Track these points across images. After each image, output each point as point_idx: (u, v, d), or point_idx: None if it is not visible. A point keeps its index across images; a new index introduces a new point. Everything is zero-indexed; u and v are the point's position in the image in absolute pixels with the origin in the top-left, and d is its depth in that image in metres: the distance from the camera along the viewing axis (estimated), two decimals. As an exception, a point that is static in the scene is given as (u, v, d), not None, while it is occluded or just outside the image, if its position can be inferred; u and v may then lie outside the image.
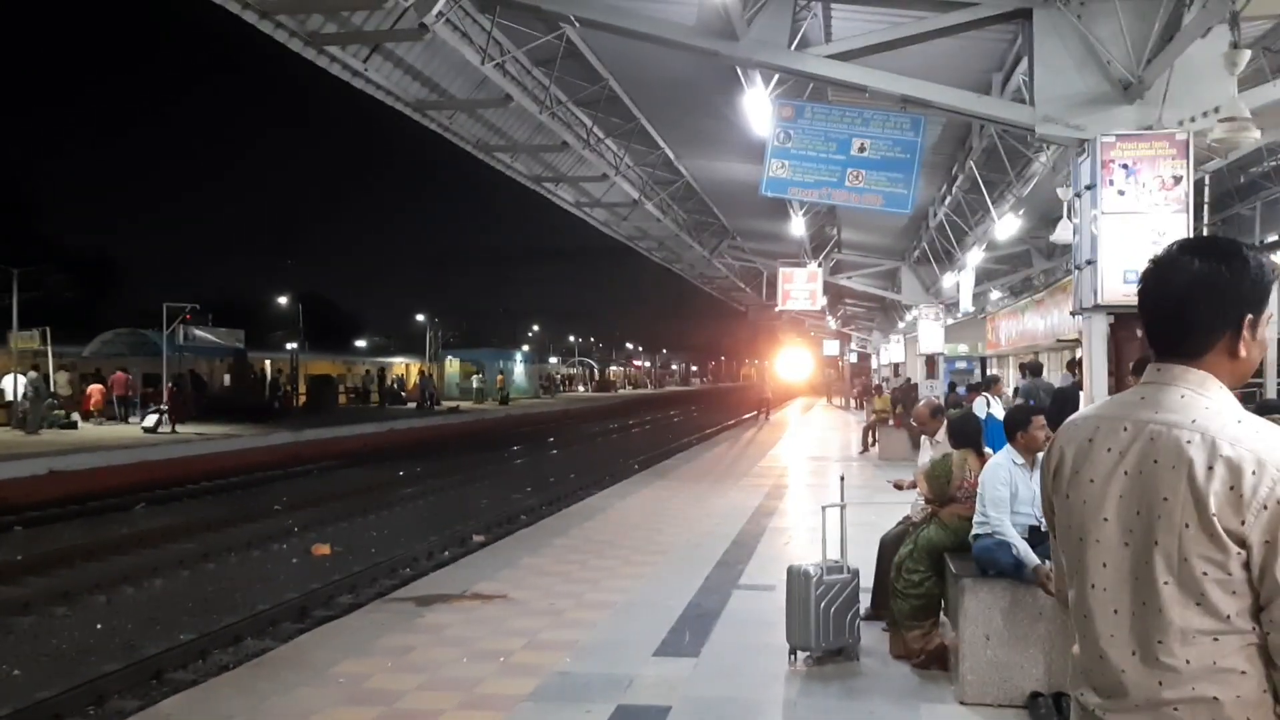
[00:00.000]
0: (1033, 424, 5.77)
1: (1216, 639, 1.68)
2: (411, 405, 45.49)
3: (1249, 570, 1.65)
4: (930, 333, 26.34)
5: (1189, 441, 1.70)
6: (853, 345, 55.73)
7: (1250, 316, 1.79)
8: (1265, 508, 1.63)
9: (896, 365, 35.90)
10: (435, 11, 9.96)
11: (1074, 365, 16.96)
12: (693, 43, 8.22)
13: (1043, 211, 15.68)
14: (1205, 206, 15.90)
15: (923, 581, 6.20)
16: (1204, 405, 1.75)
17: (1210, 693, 1.68)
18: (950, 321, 26.69)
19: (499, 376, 58.09)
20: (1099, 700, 1.80)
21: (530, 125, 16.95)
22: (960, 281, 21.20)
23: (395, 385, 53.07)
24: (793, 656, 6.26)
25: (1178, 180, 6.77)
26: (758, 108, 10.08)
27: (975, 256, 19.03)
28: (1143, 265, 1.89)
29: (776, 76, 9.89)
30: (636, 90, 15.26)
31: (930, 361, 27.44)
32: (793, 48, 8.29)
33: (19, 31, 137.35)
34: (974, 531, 5.77)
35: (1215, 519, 1.65)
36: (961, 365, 34.42)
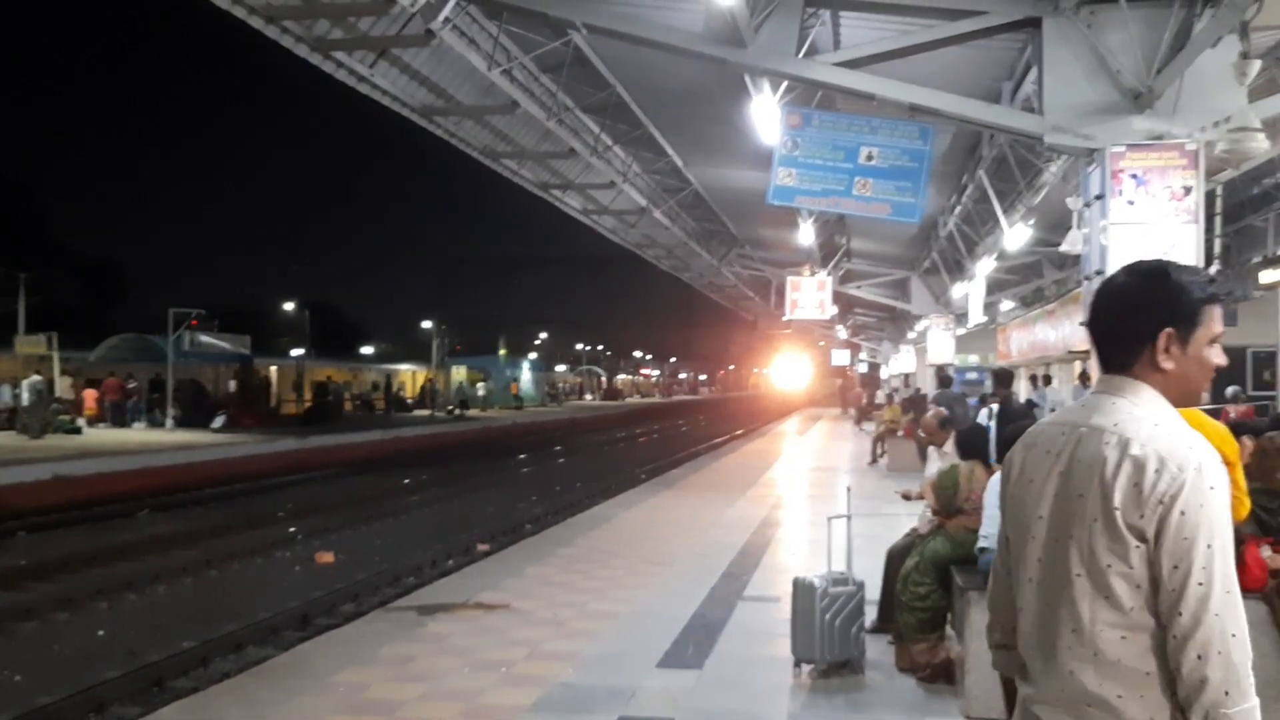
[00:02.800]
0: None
1: (1124, 636, 1.75)
2: (422, 412, 45.51)
3: (1149, 566, 1.74)
4: (940, 343, 26.27)
5: (1106, 442, 1.81)
6: (862, 355, 55.66)
7: (1170, 331, 1.88)
8: (1161, 503, 1.73)
9: (907, 375, 35.82)
10: (442, 18, 9.95)
11: (1085, 377, 16.94)
12: (700, 50, 8.19)
13: (1053, 221, 15.60)
14: (1217, 218, 15.85)
15: (929, 594, 6.14)
16: (1129, 410, 1.86)
17: (1114, 692, 1.75)
18: (961, 332, 26.60)
19: (513, 384, 58.25)
20: (1028, 691, 1.89)
21: (538, 132, 16.95)
22: (970, 292, 21.12)
23: (399, 392, 53.15)
24: (797, 669, 6.20)
25: (1188, 191, 6.71)
26: (765, 115, 10.04)
27: (985, 266, 18.97)
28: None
29: (785, 84, 9.85)
30: (644, 97, 15.25)
31: (942, 371, 27.32)
32: (801, 55, 8.25)
33: (29, 35, 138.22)
34: (980, 544, 5.72)
35: (1118, 512, 1.75)
36: (972, 376, 34.31)
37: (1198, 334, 1.88)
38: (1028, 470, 1.94)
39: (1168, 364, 1.87)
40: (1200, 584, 1.69)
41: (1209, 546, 1.70)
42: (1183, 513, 1.71)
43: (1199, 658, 1.68)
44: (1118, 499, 1.75)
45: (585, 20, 8.53)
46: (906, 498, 7.88)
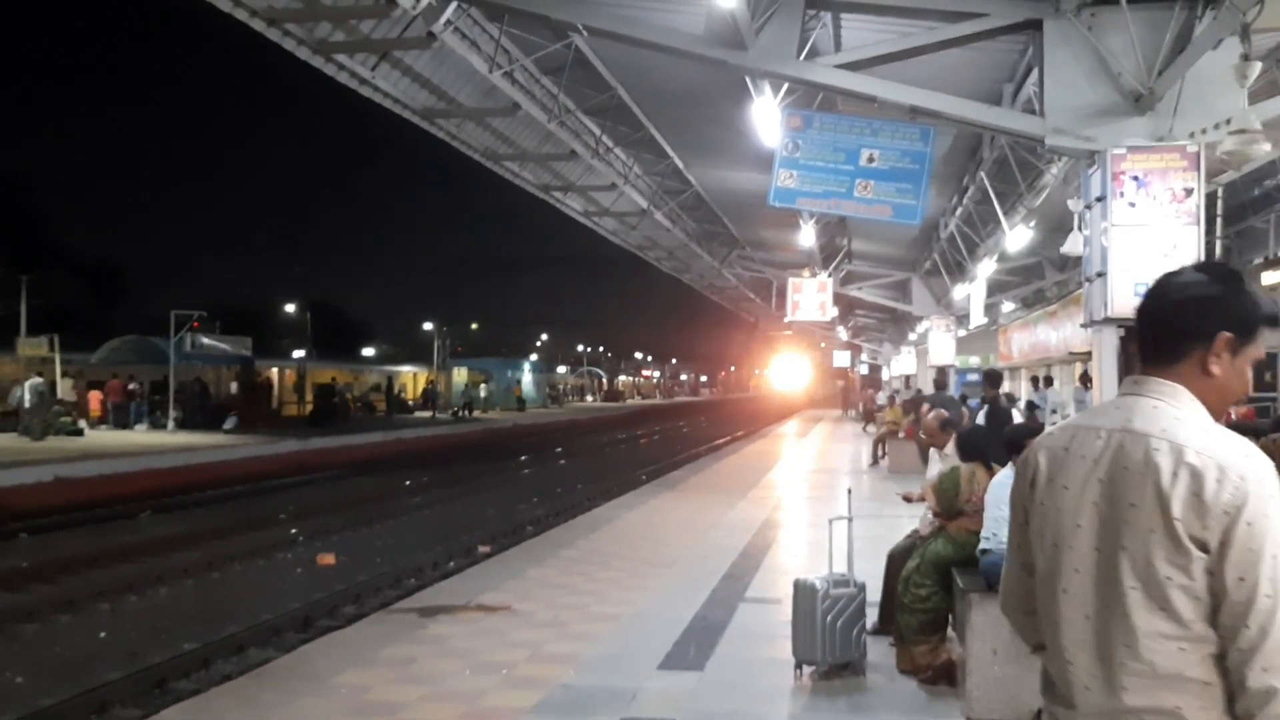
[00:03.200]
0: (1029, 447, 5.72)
1: (1182, 648, 1.70)
2: (424, 414, 45.52)
3: (1209, 575, 1.70)
4: (941, 344, 26.25)
5: (1156, 449, 1.75)
6: (863, 356, 55.62)
7: (1228, 335, 1.84)
8: (1225, 513, 1.68)
9: (908, 377, 35.79)
10: (443, 20, 9.96)
11: (1085, 378, 16.94)
12: (701, 52, 8.20)
13: (1054, 223, 15.62)
14: (1218, 219, 15.85)
15: (930, 596, 6.14)
16: (1173, 415, 1.80)
17: (1173, 702, 1.70)
18: (962, 333, 26.59)
19: (516, 386, 58.36)
20: (1065, 709, 1.83)
21: (539, 134, 16.97)
22: (971, 293, 21.13)
23: (400, 394, 53.19)
24: (798, 671, 6.20)
25: (1189, 193, 6.71)
26: (766, 118, 10.05)
27: (986, 268, 18.97)
28: (1153, 277, 1.97)
29: (786, 86, 9.85)
30: (645, 99, 15.26)
31: (941, 373, 27.31)
32: (802, 57, 8.25)
33: (31, 35, 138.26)
34: (981, 546, 5.72)
35: (1179, 524, 1.70)
36: (974, 377, 34.25)
37: (1249, 348, 1.86)
38: (1060, 476, 1.88)
39: (1216, 368, 1.84)
40: (1268, 596, 1.66)
41: (1275, 558, 1.67)
42: (1249, 524, 1.67)
43: (1264, 670, 1.64)
44: (1178, 509, 1.70)
45: (586, 23, 8.53)
46: (908, 500, 7.88)
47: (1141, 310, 1.93)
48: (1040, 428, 6.39)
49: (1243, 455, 1.72)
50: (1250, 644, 1.65)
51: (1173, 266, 1.97)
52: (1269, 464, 1.74)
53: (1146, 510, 1.73)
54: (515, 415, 50.58)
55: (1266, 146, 6.12)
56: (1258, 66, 5.92)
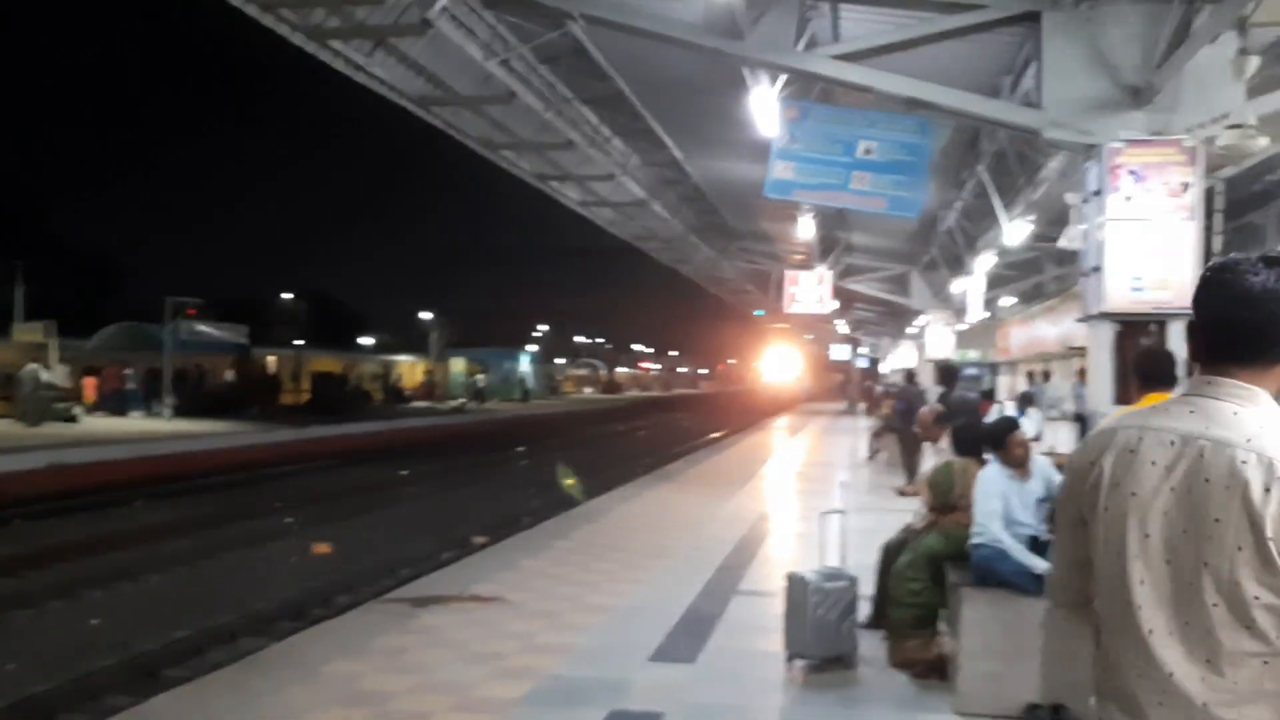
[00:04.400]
0: (1010, 441, 5.74)
1: (1266, 662, 1.65)
2: (421, 404, 45.53)
3: None
4: (939, 338, 26.26)
5: (1244, 461, 1.66)
6: (862, 349, 55.62)
7: None
8: None
9: (908, 371, 35.80)
10: (439, 7, 9.91)
11: (1084, 373, 16.88)
12: (698, 41, 8.17)
13: (1053, 217, 15.56)
14: (1218, 214, 15.78)
15: (922, 590, 6.13)
16: (1259, 423, 1.71)
17: (1256, 716, 1.66)
18: (962, 327, 26.59)
19: (521, 377, 58.53)
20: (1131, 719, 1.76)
21: (535, 123, 16.88)
22: (970, 287, 21.12)
23: (397, 383, 53.21)
24: (790, 664, 6.19)
25: (1187, 187, 6.68)
26: (763, 108, 10.01)
27: (985, 262, 18.95)
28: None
29: (784, 77, 9.82)
30: (644, 89, 15.20)
31: (946, 371, 27.29)
32: (800, 48, 8.23)
33: (27, 23, 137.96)
34: (972, 540, 5.71)
35: (1272, 542, 1.62)
36: (972, 372, 34.24)
37: None
38: (1125, 482, 1.78)
39: None
40: None
41: None
42: None
43: None
44: (1270, 528, 1.62)
45: (583, 10, 8.49)
46: (903, 494, 7.87)
47: (1218, 311, 1.80)
48: (1013, 422, 6.33)
49: None
50: None
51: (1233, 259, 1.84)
52: None
53: (1234, 527, 1.65)
54: (514, 407, 50.62)
55: (1263, 141, 6.10)
56: (1255, 61, 5.90)
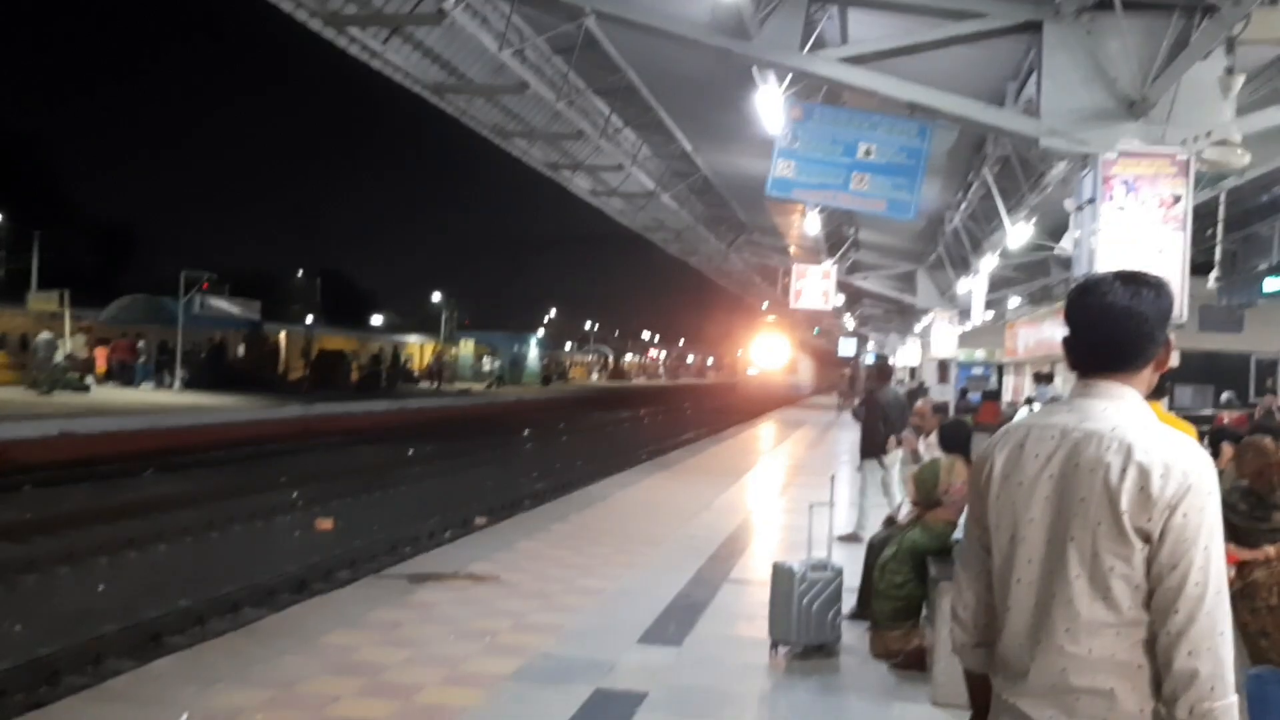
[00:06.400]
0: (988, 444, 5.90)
1: (1119, 633, 1.83)
2: (427, 385, 45.82)
3: (1148, 564, 1.82)
4: (944, 337, 26.33)
5: (1107, 447, 1.87)
6: (870, 346, 55.60)
7: (1169, 336, 2.01)
8: (1168, 506, 1.81)
9: (913, 369, 35.89)
10: (455, -4, 10.05)
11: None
12: (705, 40, 8.28)
13: (1056, 221, 15.64)
14: (1220, 224, 15.86)
15: (904, 583, 6.29)
16: (1123, 415, 1.92)
17: (1108, 684, 1.82)
18: (968, 327, 26.66)
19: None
20: (1011, 686, 1.94)
21: (547, 112, 17.00)
22: (973, 288, 21.19)
23: (406, 364, 53.49)
24: (774, 650, 6.35)
25: (1177, 199, 6.81)
26: (769, 107, 10.13)
27: (989, 263, 19.03)
28: (1084, 291, 2.03)
29: (790, 76, 9.93)
30: (655, 82, 15.30)
31: (943, 366, 27.44)
32: (808, 49, 8.34)
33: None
34: (955, 535, 5.86)
35: (1125, 516, 1.82)
36: (978, 371, 34.27)
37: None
38: (1015, 472, 1.98)
39: (1163, 369, 2.00)
40: (1196, 584, 1.78)
41: (1205, 549, 1.79)
42: (1185, 515, 1.79)
43: (1190, 653, 1.76)
44: (1124, 503, 1.81)
45: (595, 6, 8.62)
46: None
47: (1089, 326, 2.00)
48: (965, 423, 6.51)
49: (1187, 453, 1.85)
50: (1178, 628, 1.77)
51: (1094, 279, 2.05)
52: (1210, 462, 1.87)
53: (1095, 504, 1.84)
54: (520, 390, 50.86)
55: (1246, 159, 6.22)
56: (1240, 80, 6.01)
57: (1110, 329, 1.98)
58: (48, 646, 7.86)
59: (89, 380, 27.42)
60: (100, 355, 31.13)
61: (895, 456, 10.32)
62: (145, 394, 27.79)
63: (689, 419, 41.52)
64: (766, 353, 67.51)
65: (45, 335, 26.44)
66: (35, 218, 38.66)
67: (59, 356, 26.21)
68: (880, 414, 10.61)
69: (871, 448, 10.62)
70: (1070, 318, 2.04)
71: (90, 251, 54.00)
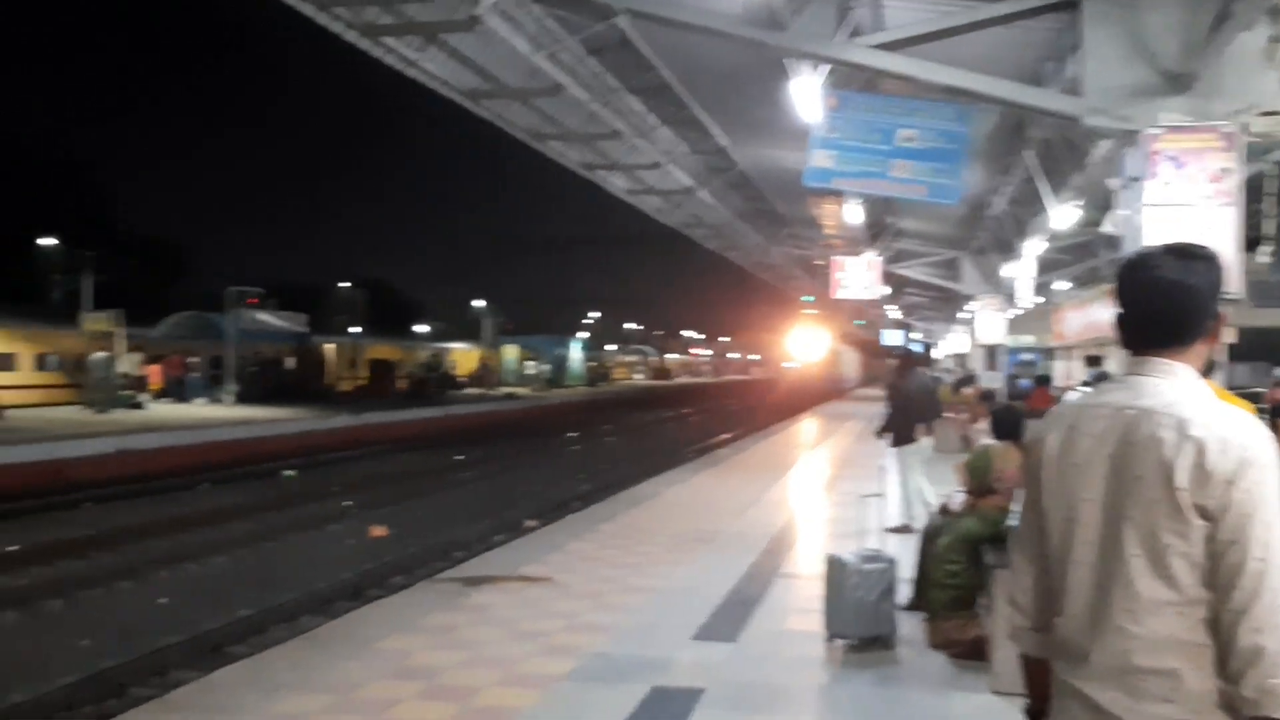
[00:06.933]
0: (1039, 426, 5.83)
1: (1181, 612, 1.80)
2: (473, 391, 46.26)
3: (1207, 541, 1.78)
4: (991, 323, 26.00)
5: (1162, 424, 1.84)
6: (914, 335, 55.11)
7: (1223, 312, 1.98)
8: (1226, 481, 1.77)
9: (960, 356, 35.51)
10: (488, 3, 10.10)
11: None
12: (739, 33, 8.25)
13: (1103, 202, 15.38)
14: (1269, 198, 15.46)
15: (960, 572, 6.23)
16: (1177, 391, 1.90)
17: (1172, 664, 1.79)
18: (1015, 313, 26.27)
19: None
20: (1072, 669, 1.91)
21: (583, 114, 17.00)
22: (1019, 272, 20.92)
23: (450, 371, 53.92)
24: (830, 643, 6.32)
25: (1226, 173, 6.66)
26: (804, 98, 10.07)
27: (1034, 247, 18.77)
28: (1136, 263, 2.00)
29: (826, 66, 9.87)
30: (689, 78, 15.26)
31: (991, 353, 27.09)
32: (841, 38, 8.28)
33: (96, 18, 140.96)
34: (1010, 522, 5.79)
35: (1182, 493, 1.79)
36: (1027, 357, 33.77)
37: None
38: (1068, 453, 1.95)
39: (1218, 336, 1.96)
40: (1258, 559, 1.74)
41: (1266, 523, 1.76)
42: (1246, 491, 1.76)
43: (1254, 630, 1.73)
44: (1182, 479, 1.78)
45: (627, 5, 8.62)
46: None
47: (1139, 302, 1.98)
48: (1016, 409, 6.44)
49: (1244, 427, 1.82)
50: (1241, 605, 1.74)
51: (1143, 253, 2.02)
52: (1268, 435, 1.83)
53: (1151, 481, 1.81)
54: (565, 393, 51.13)
55: (1294, 129, 6.08)
56: (1287, 48, 5.88)
57: (1161, 303, 1.95)
58: (113, 659, 8.03)
59: (142, 398, 27.92)
60: (153, 373, 31.67)
61: (922, 444, 10.28)
62: (198, 409, 28.24)
63: (733, 416, 41.41)
64: (806, 345, 66.27)
65: (101, 355, 26.98)
66: (87, 240, 39.43)
67: (114, 375, 26.72)
68: (907, 402, 10.54)
69: (902, 436, 10.55)
70: (1120, 294, 2.02)
71: (141, 270, 54.92)
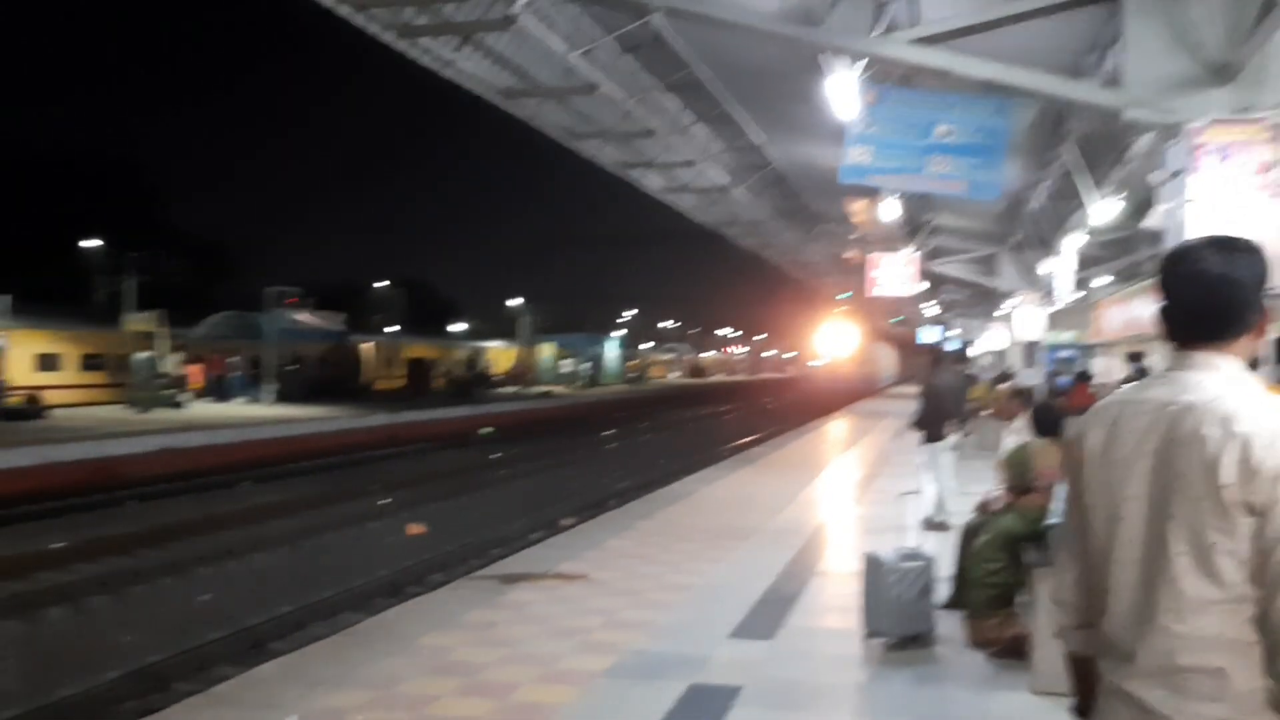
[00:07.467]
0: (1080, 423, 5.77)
1: (1227, 610, 1.77)
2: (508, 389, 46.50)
3: (1255, 538, 1.75)
4: (1029, 319, 25.73)
5: (1206, 419, 1.80)
6: (952, 332, 54.62)
7: (1265, 305, 1.93)
8: (1274, 477, 1.73)
9: (999, 353, 35.16)
10: (522, 2, 10.13)
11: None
12: (774, 29, 8.23)
13: (1144, 196, 15.20)
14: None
15: (999, 570, 6.16)
16: (1221, 386, 1.86)
17: (1219, 663, 1.77)
18: (1054, 308, 25.97)
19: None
20: (1117, 668, 1.89)
21: (617, 112, 17.03)
22: (1058, 268, 20.68)
23: (485, 370, 54.20)
24: (868, 641, 6.28)
25: (1272, 165, 6.55)
26: (840, 94, 10.01)
27: (1074, 242, 18.56)
28: (1179, 258, 1.97)
29: (863, 61, 9.81)
30: (724, 75, 15.24)
31: (1029, 349, 26.80)
32: (880, 32, 8.22)
33: (138, 19, 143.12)
34: (1051, 520, 5.73)
35: (1227, 489, 1.75)
36: (1067, 354, 33.33)
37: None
38: (1110, 450, 1.93)
39: (1260, 338, 1.92)
40: None
41: None
42: None
43: None
44: (1228, 476, 1.75)
45: (663, 2, 8.61)
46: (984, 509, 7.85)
47: (1185, 295, 1.94)
48: (1055, 407, 6.35)
49: None
50: None
51: (1185, 246, 1.99)
52: None
53: (1195, 479, 1.78)
54: (602, 391, 51.25)
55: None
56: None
57: (1205, 296, 1.92)
58: (157, 655, 8.15)
59: (183, 397, 28.30)
60: (194, 372, 32.10)
61: (950, 442, 10.20)
62: (239, 408, 28.59)
63: (768, 414, 41.29)
64: (841, 343, 65.58)
65: (144, 355, 27.38)
66: (133, 241, 39.99)
67: (156, 375, 27.12)
68: (938, 399, 10.46)
69: (933, 433, 10.47)
70: (1164, 287, 1.98)
71: (183, 271, 55.65)
